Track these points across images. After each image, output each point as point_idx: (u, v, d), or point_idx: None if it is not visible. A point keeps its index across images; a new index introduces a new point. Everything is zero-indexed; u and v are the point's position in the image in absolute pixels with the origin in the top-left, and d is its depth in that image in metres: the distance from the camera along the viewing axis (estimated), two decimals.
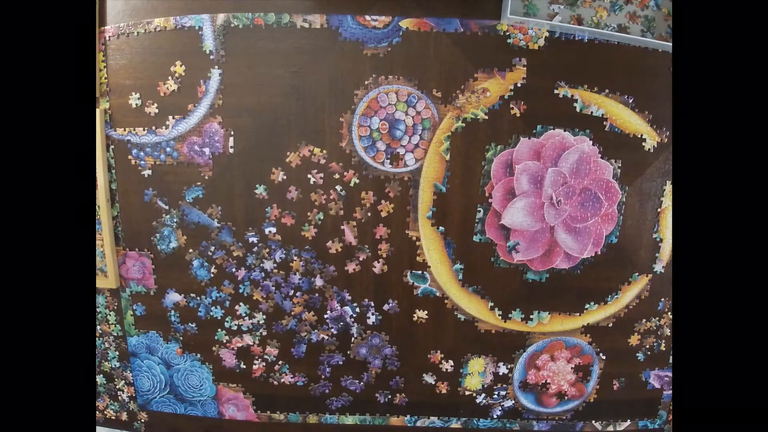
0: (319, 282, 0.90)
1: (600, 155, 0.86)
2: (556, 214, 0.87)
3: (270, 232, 0.89)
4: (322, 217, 0.88)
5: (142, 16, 0.84)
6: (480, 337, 0.93)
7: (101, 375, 1.01)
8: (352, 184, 0.87)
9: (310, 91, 0.84)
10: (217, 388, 0.99)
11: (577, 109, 0.84)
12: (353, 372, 0.96)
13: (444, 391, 0.97)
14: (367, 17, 0.82)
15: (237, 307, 0.93)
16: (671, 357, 0.96)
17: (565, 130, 0.85)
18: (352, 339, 0.94)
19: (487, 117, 0.84)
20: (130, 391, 1.01)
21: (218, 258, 0.90)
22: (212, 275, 0.91)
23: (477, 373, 0.96)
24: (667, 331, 0.95)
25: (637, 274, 0.91)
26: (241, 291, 0.92)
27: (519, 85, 0.83)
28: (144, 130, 0.87)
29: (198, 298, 0.93)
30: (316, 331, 0.93)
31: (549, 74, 0.83)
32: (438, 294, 0.91)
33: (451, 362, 0.95)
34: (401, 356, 0.95)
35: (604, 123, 0.85)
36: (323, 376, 0.96)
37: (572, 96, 0.84)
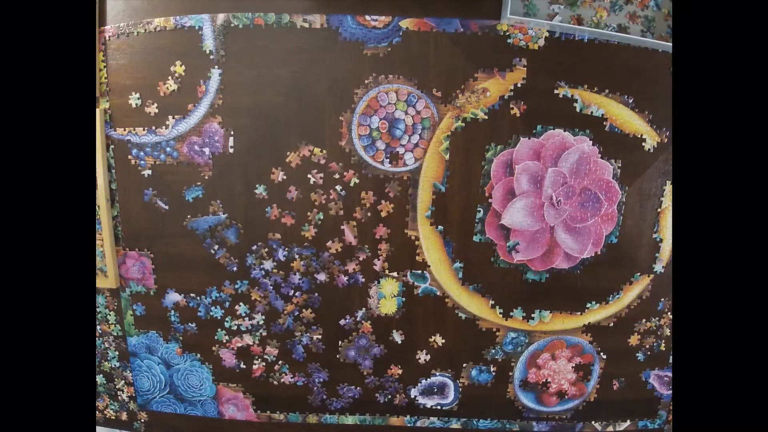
0: (321, 277, 0.90)
1: (600, 155, 0.86)
2: (556, 214, 0.87)
3: (270, 232, 0.89)
4: (322, 217, 0.88)
5: (142, 16, 0.84)
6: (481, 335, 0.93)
7: (101, 375, 1.01)
8: (351, 184, 0.87)
9: (310, 91, 0.84)
10: (217, 388, 0.99)
11: (577, 109, 0.84)
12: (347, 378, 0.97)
13: None
14: (367, 17, 0.82)
15: (237, 307, 0.93)
16: (671, 357, 0.96)
17: (565, 130, 0.85)
18: (340, 343, 0.94)
19: (486, 117, 0.84)
20: (130, 391, 1.01)
21: (220, 257, 0.90)
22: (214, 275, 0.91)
23: None
24: (667, 331, 0.95)
25: (638, 273, 0.91)
26: (237, 287, 0.91)
27: (519, 85, 0.83)
28: (144, 130, 0.87)
29: (198, 298, 0.93)
30: (308, 334, 0.93)
31: (549, 74, 0.83)
32: (438, 293, 0.91)
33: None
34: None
35: (604, 123, 0.85)
36: (322, 380, 0.97)
37: (572, 96, 0.84)
